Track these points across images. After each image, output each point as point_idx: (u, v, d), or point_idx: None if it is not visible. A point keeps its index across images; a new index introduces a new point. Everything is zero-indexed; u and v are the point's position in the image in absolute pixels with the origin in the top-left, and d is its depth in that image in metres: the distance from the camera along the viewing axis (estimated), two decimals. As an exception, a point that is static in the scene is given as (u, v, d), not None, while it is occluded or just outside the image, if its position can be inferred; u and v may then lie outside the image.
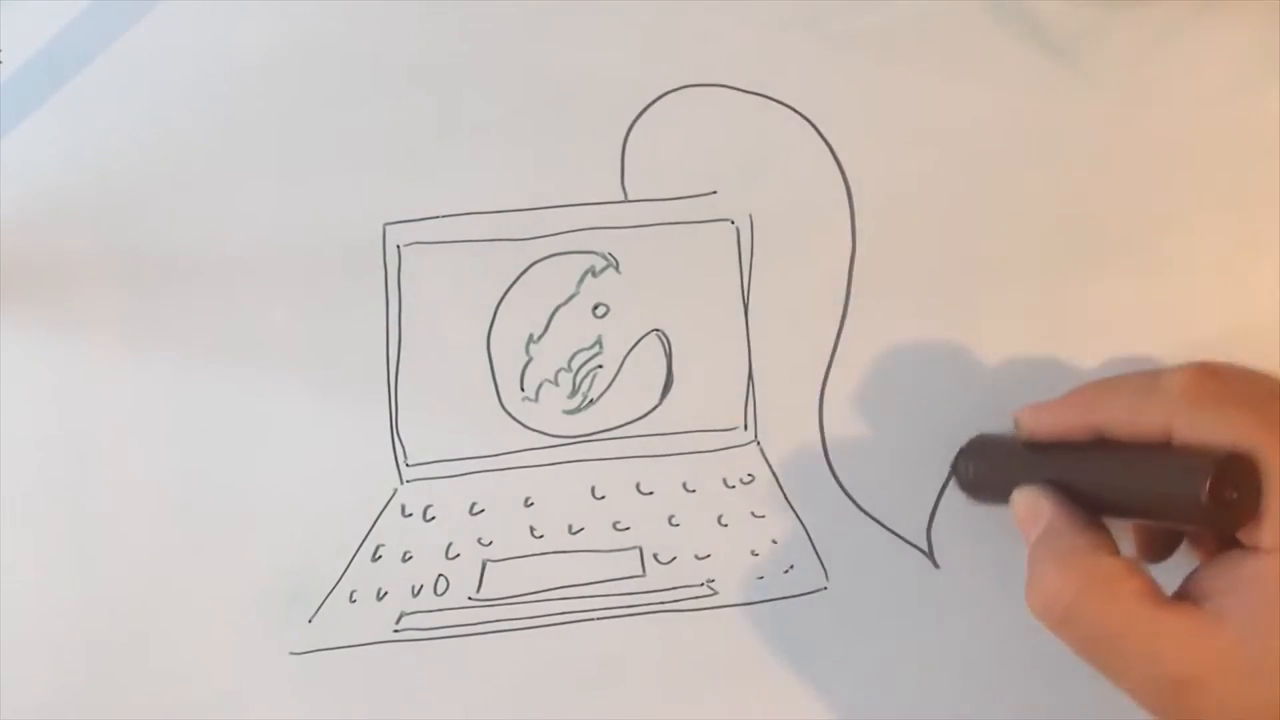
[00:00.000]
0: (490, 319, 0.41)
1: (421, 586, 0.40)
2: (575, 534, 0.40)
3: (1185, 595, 0.31)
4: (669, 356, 0.41)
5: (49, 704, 0.39)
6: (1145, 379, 0.33)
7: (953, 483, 0.40)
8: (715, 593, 0.40)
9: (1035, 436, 0.36)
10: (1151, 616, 0.30)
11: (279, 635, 0.40)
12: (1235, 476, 0.30)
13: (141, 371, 0.40)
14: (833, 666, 0.40)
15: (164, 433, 0.40)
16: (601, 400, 0.41)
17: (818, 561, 0.40)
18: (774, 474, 0.41)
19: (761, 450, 0.41)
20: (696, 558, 0.40)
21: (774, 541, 0.40)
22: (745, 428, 0.41)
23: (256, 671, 0.39)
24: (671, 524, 0.40)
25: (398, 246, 0.41)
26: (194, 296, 0.40)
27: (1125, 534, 0.36)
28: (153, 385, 0.40)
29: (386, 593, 0.40)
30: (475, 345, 0.41)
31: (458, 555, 0.40)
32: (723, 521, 0.40)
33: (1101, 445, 0.34)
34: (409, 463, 0.40)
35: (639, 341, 0.41)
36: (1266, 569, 0.29)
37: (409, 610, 0.40)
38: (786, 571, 0.40)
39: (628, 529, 0.40)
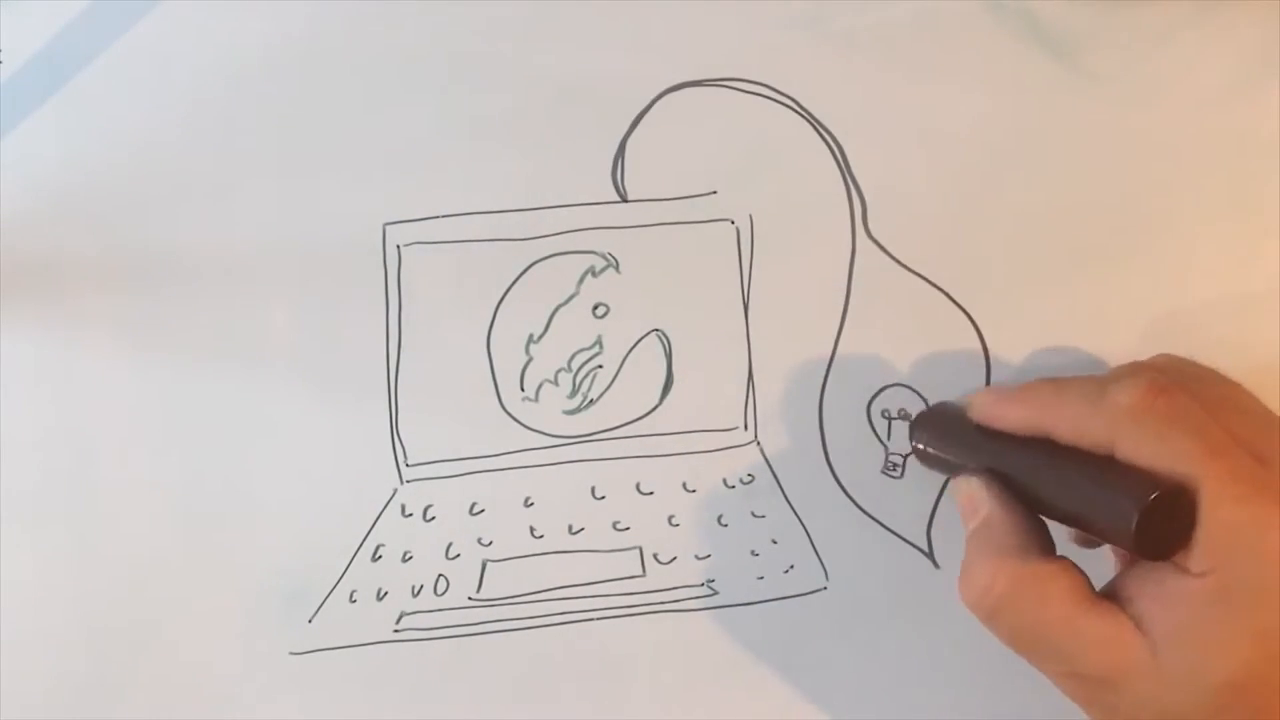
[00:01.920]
0: (490, 319, 0.41)
1: (421, 586, 0.40)
2: (575, 534, 0.40)
3: (1113, 594, 0.32)
4: (669, 356, 0.41)
5: (49, 703, 0.39)
6: (1094, 387, 0.33)
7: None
8: (715, 593, 0.40)
9: (985, 423, 0.36)
10: (1077, 617, 0.31)
11: (279, 635, 0.40)
12: (1169, 508, 0.30)
13: (141, 371, 0.40)
14: (833, 666, 0.40)
15: (164, 433, 0.40)
16: (601, 400, 0.41)
17: (818, 561, 0.40)
18: (774, 474, 0.41)
19: (761, 450, 0.41)
20: (696, 558, 0.40)
21: (774, 541, 0.40)
22: (745, 428, 0.41)
23: (256, 671, 0.39)
24: (671, 524, 0.40)
25: (398, 246, 0.41)
26: (194, 296, 0.40)
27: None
28: (153, 385, 0.40)
29: (386, 593, 0.40)
30: (475, 345, 0.41)
31: (458, 555, 0.40)
32: (723, 521, 0.40)
33: (1046, 446, 0.34)
34: (409, 463, 0.40)
35: (639, 341, 0.41)
36: (1190, 589, 0.30)
37: (409, 610, 0.40)
38: (786, 571, 0.40)
39: (628, 529, 0.40)
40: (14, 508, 0.39)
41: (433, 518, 0.40)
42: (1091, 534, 0.34)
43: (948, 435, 0.38)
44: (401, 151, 0.41)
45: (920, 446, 0.38)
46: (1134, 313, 0.41)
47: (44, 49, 0.41)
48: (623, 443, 0.41)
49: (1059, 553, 0.34)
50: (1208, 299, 0.42)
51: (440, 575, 0.40)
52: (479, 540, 0.40)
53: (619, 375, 0.41)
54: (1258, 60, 0.42)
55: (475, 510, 0.40)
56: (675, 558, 0.40)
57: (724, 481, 0.41)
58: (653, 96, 0.41)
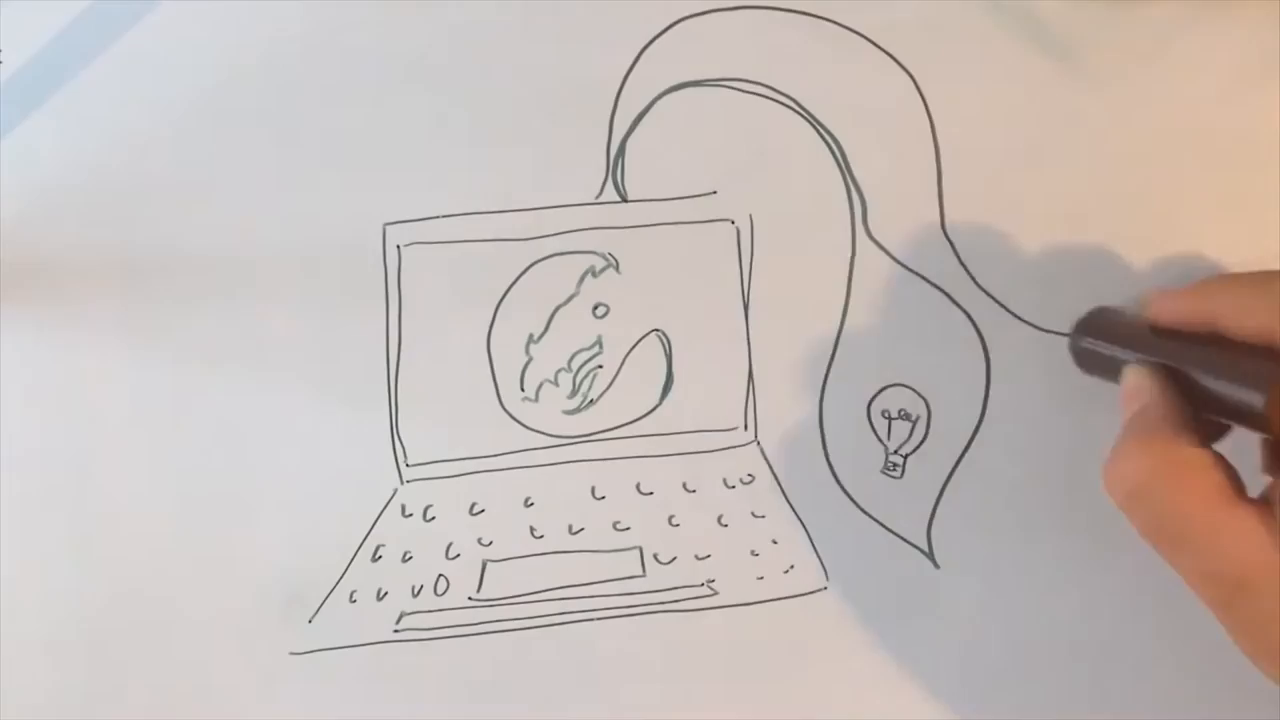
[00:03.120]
0: (490, 319, 0.41)
1: (421, 586, 0.40)
2: (575, 534, 0.40)
3: (1266, 497, 0.31)
4: (669, 356, 0.41)
5: (49, 704, 0.39)
6: (1262, 279, 0.33)
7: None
8: (715, 593, 0.40)
9: (1157, 320, 0.35)
10: (1219, 510, 0.30)
11: (279, 635, 0.40)
12: None
13: (141, 371, 0.40)
14: (833, 666, 0.40)
15: (164, 433, 0.40)
16: (601, 400, 0.41)
17: (818, 561, 0.40)
18: (774, 474, 0.41)
19: (761, 450, 0.41)
20: (696, 558, 0.40)
21: (774, 541, 0.40)
22: (745, 428, 0.41)
23: (256, 671, 0.39)
24: (671, 524, 0.40)
25: (398, 246, 0.41)
26: (194, 296, 0.40)
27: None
28: (153, 385, 0.40)
29: (386, 593, 0.40)
30: (475, 345, 0.41)
31: (458, 555, 0.40)
32: (723, 521, 0.40)
33: (1214, 340, 0.33)
34: (409, 463, 0.40)
35: (639, 341, 0.41)
36: None
37: (409, 610, 0.40)
38: (786, 571, 0.40)
39: (628, 529, 0.40)
40: (14, 508, 0.39)
41: (433, 518, 0.40)
42: (1235, 422, 0.33)
43: (1115, 334, 0.37)
44: (401, 151, 0.41)
45: (1086, 346, 0.38)
46: (1134, 313, 0.41)
47: (44, 49, 0.41)
48: (623, 443, 0.41)
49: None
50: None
51: (440, 575, 0.40)
52: (479, 540, 0.40)
53: (619, 375, 0.41)
54: (1258, 60, 0.42)
55: (475, 510, 0.40)
56: (675, 558, 0.40)
57: (724, 481, 0.41)
58: (653, 96, 0.41)
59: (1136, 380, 0.35)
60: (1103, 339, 0.38)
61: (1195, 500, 0.31)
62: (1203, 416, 0.33)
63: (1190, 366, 0.34)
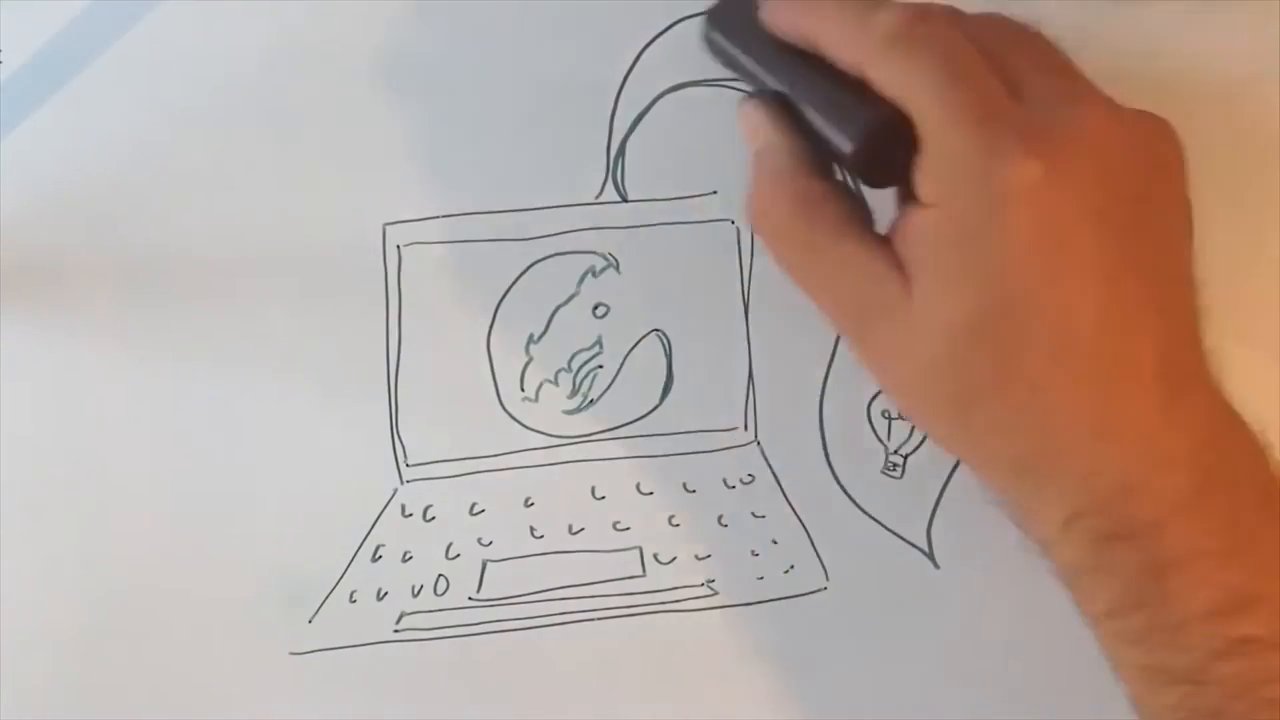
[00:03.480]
0: (490, 319, 0.41)
1: (421, 587, 0.40)
2: (575, 534, 0.40)
3: (891, 232, 0.32)
4: (669, 356, 0.41)
5: (49, 703, 0.39)
6: (865, 6, 0.31)
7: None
8: (715, 593, 0.40)
9: (771, 27, 0.34)
10: (845, 243, 0.32)
11: (279, 635, 0.39)
12: (898, 136, 0.30)
13: (141, 371, 0.40)
14: (833, 666, 0.40)
15: (164, 433, 0.40)
16: (601, 400, 0.41)
17: (818, 561, 0.40)
18: (774, 474, 0.41)
19: (761, 450, 0.41)
20: (696, 558, 0.40)
21: (774, 541, 0.40)
22: (745, 428, 0.41)
23: (256, 671, 0.39)
24: (671, 524, 0.40)
25: (398, 246, 0.41)
26: (194, 296, 0.40)
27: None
28: (153, 385, 0.40)
29: (386, 593, 0.40)
30: (475, 345, 0.41)
31: (458, 555, 0.40)
32: (723, 521, 0.40)
33: (816, 63, 0.33)
34: (409, 463, 0.40)
35: (639, 341, 0.41)
36: (926, 223, 0.30)
37: (409, 610, 0.40)
38: (786, 571, 0.40)
39: (628, 529, 0.40)
40: (14, 507, 0.39)
41: (433, 518, 0.40)
42: (843, 167, 0.33)
43: (740, 34, 0.35)
44: (401, 151, 0.41)
45: (715, 40, 0.36)
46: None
47: (44, 49, 0.41)
48: (623, 443, 0.41)
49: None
50: (1208, 300, 0.42)
51: (440, 575, 0.40)
52: (479, 540, 0.40)
53: (619, 375, 0.41)
54: (1258, 60, 0.42)
55: (475, 510, 0.40)
56: (675, 558, 0.40)
57: (724, 481, 0.41)
58: (653, 96, 0.41)
59: (754, 115, 0.34)
60: (729, 37, 0.36)
61: (821, 232, 0.32)
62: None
63: (796, 97, 0.33)
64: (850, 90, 0.31)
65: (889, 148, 0.30)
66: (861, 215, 0.32)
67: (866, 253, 0.31)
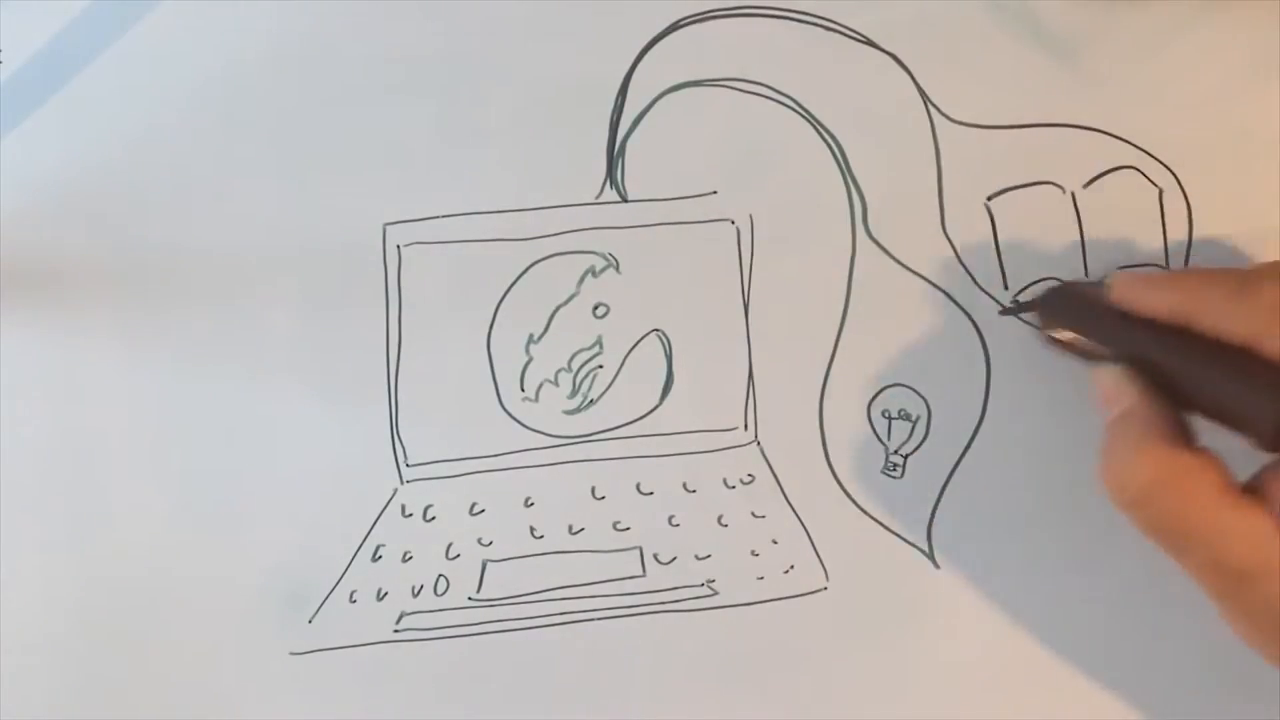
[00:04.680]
0: (490, 319, 0.41)
1: (422, 587, 0.40)
2: (575, 534, 0.40)
3: (1254, 489, 0.32)
4: (669, 356, 0.41)
5: (49, 703, 0.39)
6: (1241, 279, 0.32)
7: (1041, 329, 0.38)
8: (715, 593, 0.40)
9: (1124, 305, 0.35)
10: (1222, 509, 0.31)
11: (279, 635, 0.39)
12: None
13: (141, 371, 0.40)
14: (833, 666, 0.40)
15: (164, 433, 0.40)
16: (601, 400, 0.41)
17: (818, 561, 0.40)
18: (774, 474, 0.41)
19: (761, 450, 0.41)
20: (696, 558, 0.40)
21: (774, 541, 0.40)
22: (745, 428, 0.41)
23: (256, 671, 0.39)
24: (671, 524, 0.40)
25: (398, 246, 0.41)
26: (194, 296, 0.40)
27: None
28: (153, 385, 0.40)
29: (386, 593, 0.40)
30: (475, 345, 0.41)
31: (458, 555, 0.40)
32: (723, 521, 0.40)
33: (1188, 336, 0.33)
34: (409, 463, 0.40)
35: (639, 341, 0.41)
36: None
37: (409, 610, 0.40)
38: (786, 571, 0.40)
39: (628, 529, 0.40)
40: (14, 507, 0.39)
41: (433, 518, 0.40)
42: (1231, 429, 0.33)
43: (1083, 317, 0.36)
44: (401, 151, 0.41)
45: (1050, 333, 0.37)
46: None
47: (44, 49, 0.41)
48: (623, 443, 0.41)
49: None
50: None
51: (440, 575, 0.40)
52: (479, 540, 0.40)
53: (619, 375, 0.41)
54: (1258, 60, 0.42)
55: (475, 510, 0.40)
56: (675, 558, 0.40)
57: (724, 481, 0.41)
58: (653, 96, 0.41)
59: (1113, 381, 0.35)
60: (1071, 324, 0.37)
61: (1198, 503, 0.32)
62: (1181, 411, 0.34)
63: (1175, 365, 0.34)
64: (1240, 361, 0.32)
65: None
66: (1229, 479, 0.32)
67: (1244, 521, 0.31)
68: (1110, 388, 0.35)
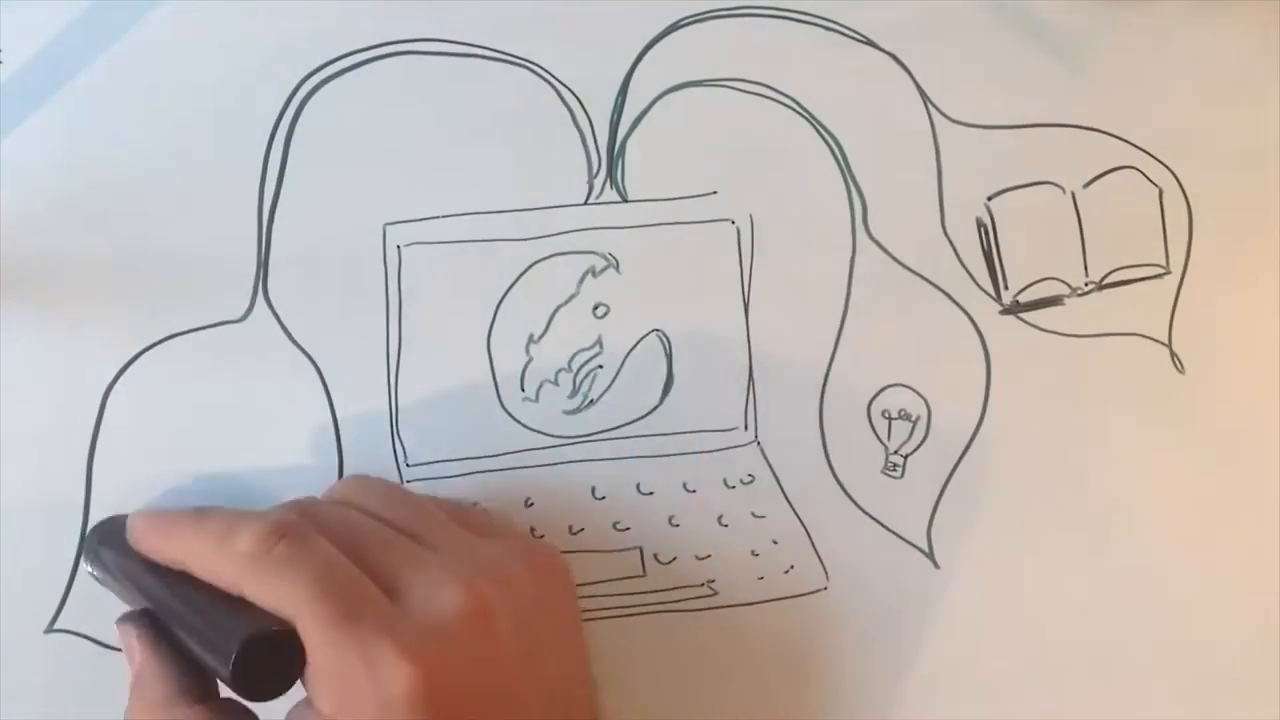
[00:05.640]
0: (490, 319, 0.41)
1: (421, 586, 0.40)
2: (575, 534, 0.40)
3: None
4: (669, 356, 0.41)
5: (49, 704, 0.39)
6: (227, 527, 0.32)
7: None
8: (715, 593, 0.40)
9: (140, 552, 0.34)
10: None
11: (279, 635, 0.39)
12: (283, 650, 0.30)
13: (141, 371, 0.40)
14: (833, 666, 0.40)
15: (164, 432, 0.40)
16: (601, 400, 0.41)
17: (818, 561, 0.40)
18: (774, 474, 0.41)
19: (761, 450, 0.41)
20: (696, 558, 0.40)
21: (774, 541, 0.40)
22: (745, 428, 0.41)
23: (256, 671, 0.39)
24: (671, 524, 0.40)
25: (398, 246, 0.41)
26: (193, 296, 0.40)
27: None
28: (152, 384, 0.40)
29: (386, 593, 0.40)
30: (475, 345, 0.41)
31: (458, 555, 0.40)
32: (723, 521, 0.40)
33: (192, 582, 0.32)
34: (409, 463, 0.40)
35: (639, 341, 0.41)
36: None
37: (409, 610, 0.40)
38: (786, 571, 0.40)
39: (628, 529, 0.40)
40: (13, 507, 0.39)
41: (433, 518, 0.40)
42: (220, 678, 0.32)
43: (121, 554, 0.35)
44: (401, 151, 0.41)
45: (91, 571, 0.37)
46: (1133, 314, 0.42)
47: (44, 49, 0.41)
48: (623, 443, 0.41)
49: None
50: (1208, 300, 0.42)
51: (440, 575, 0.40)
52: (479, 540, 0.40)
53: (619, 375, 0.41)
54: (1258, 60, 0.42)
55: (475, 510, 0.40)
56: (675, 558, 0.40)
57: (724, 481, 0.41)
58: (653, 96, 0.41)
59: (125, 639, 0.34)
60: (110, 567, 0.35)
61: None
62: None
63: (167, 617, 0.33)
64: (227, 607, 0.31)
65: (275, 661, 0.30)
66: None
67: None
68: (125, 644, 0.34)
